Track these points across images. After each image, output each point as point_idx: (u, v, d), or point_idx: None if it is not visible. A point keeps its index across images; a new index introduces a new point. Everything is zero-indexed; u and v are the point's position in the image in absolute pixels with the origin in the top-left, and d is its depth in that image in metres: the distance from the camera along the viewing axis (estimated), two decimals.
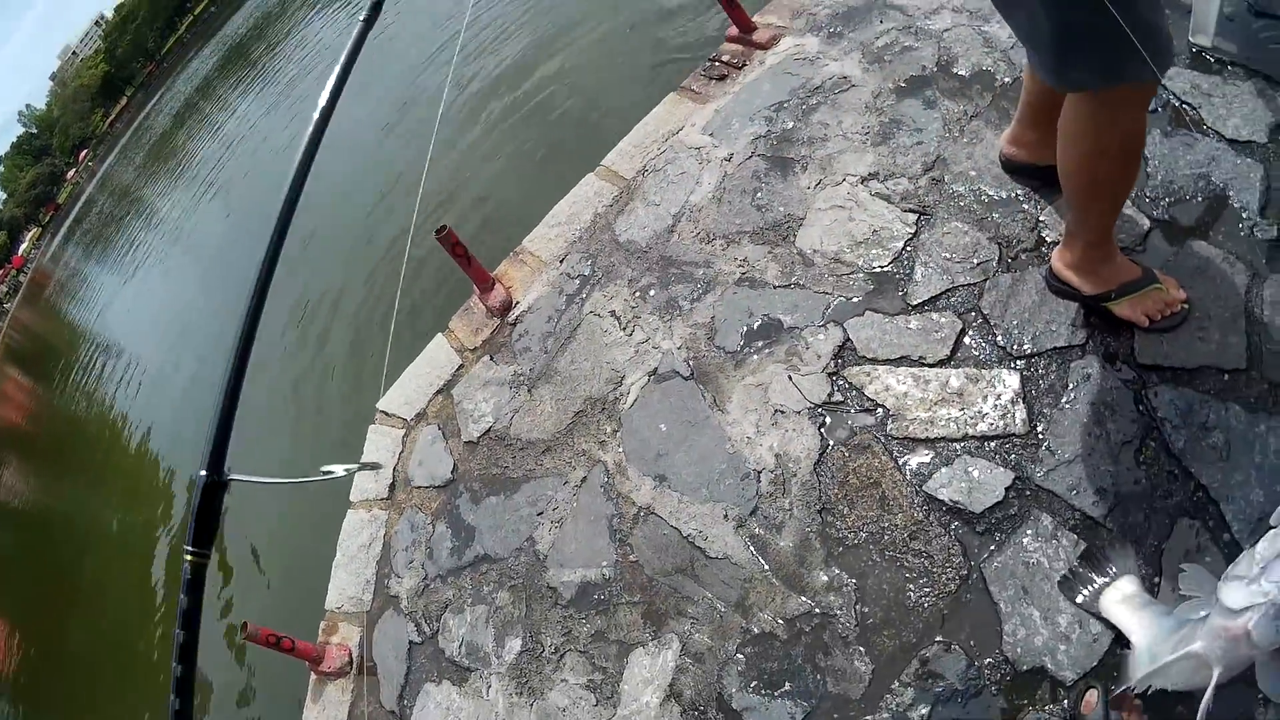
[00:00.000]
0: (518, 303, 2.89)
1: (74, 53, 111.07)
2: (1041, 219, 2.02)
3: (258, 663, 4.37)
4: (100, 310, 19.86)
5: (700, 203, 2.61)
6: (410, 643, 2.38)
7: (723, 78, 3.07)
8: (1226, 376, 1.58)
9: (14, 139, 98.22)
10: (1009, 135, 2.08)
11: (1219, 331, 1.63)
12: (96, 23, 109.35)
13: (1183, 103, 2.04)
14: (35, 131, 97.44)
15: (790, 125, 2.65)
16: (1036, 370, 1.77)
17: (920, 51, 2.68)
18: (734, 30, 3.19)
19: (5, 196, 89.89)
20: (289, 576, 4.65)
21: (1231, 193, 1.83)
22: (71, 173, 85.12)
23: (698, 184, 2.68)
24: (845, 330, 2.03)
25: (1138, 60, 1.23)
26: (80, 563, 8.80)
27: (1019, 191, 2.09)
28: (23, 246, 74.33)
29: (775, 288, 2.21)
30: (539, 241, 3.02)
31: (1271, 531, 1.04)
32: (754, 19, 3.21)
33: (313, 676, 2.53)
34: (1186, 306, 1.66)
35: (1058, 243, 1.83)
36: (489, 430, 2.62)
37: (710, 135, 2.82)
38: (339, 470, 1.08)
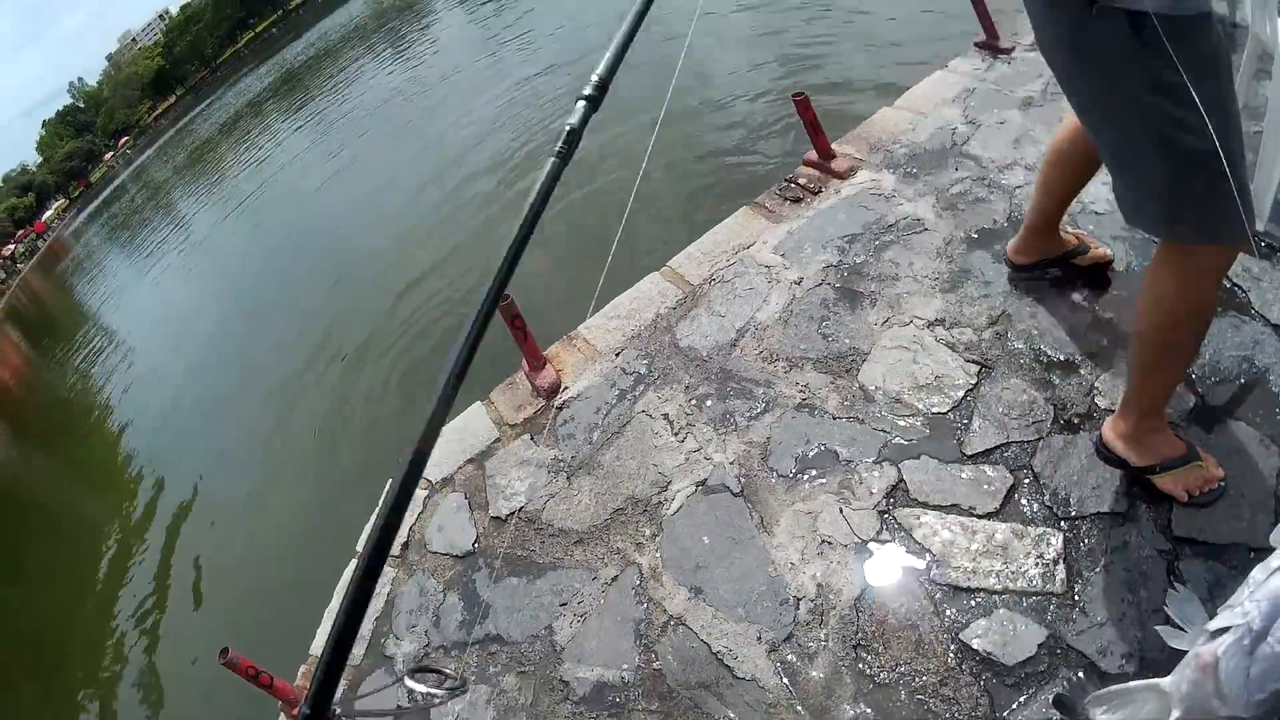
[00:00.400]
0: (566, 387, 3.08)
1: (133, 39, 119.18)
2: (1097, 385, 2.23)
3: (227, 694, 4.44)
4: (110, 297, 20.93)
5: (766, 321, 2.84)
6: (399, 706, 2.46)
7: (798, 200, 3.36)
8: (1253, 555, 1.77)
9: (60, 108, 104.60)
10: (1015, 245, 2.54)
11: (1250, 510, 1.83)
12: (160, 16, 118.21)
13: (1234, 284, 2.28)
14: (82, 106, 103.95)
15: (862, 259, 2.91)
16: (1079, 532, 1.95)
17: (992, 205, 2.96)
18: (813, 155, 3.50)
19: (40, 160, 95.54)
20: (277, 611, 4.75)
21: (1272, 377, 2.06)
22: (109, 155, 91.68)
23: (765, 302, 2.92)
24: (900, 471, 2.22)
25: (1235, 221, 1.47)
26: (34, 535, 9.41)
27: (1077, 355, 2.32)
28: (47, 214, 78.85)
29: (834, 418, 2.42)
30: (596, 331, 3.25)
31: (1271, 555, 1.07)
32: (833, 146, 3.51)
33: (282, 717, 2.60)
34: (1223, 484, 1.87)
35: (1110, 410, 2.05)
36: (520, 510, 2.77)
37: (782, 256, 3.09)
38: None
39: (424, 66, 18.32)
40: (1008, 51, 4.12)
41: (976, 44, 4.27)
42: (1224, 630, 1.02)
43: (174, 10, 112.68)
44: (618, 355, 3.09)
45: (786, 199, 3.41)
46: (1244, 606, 1.00)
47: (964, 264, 2.75)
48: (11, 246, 65.48)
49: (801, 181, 3.46)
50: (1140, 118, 1.51)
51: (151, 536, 7.04)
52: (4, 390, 22.05)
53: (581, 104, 1.12)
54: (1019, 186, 3.04)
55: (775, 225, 3.30)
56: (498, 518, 2.78)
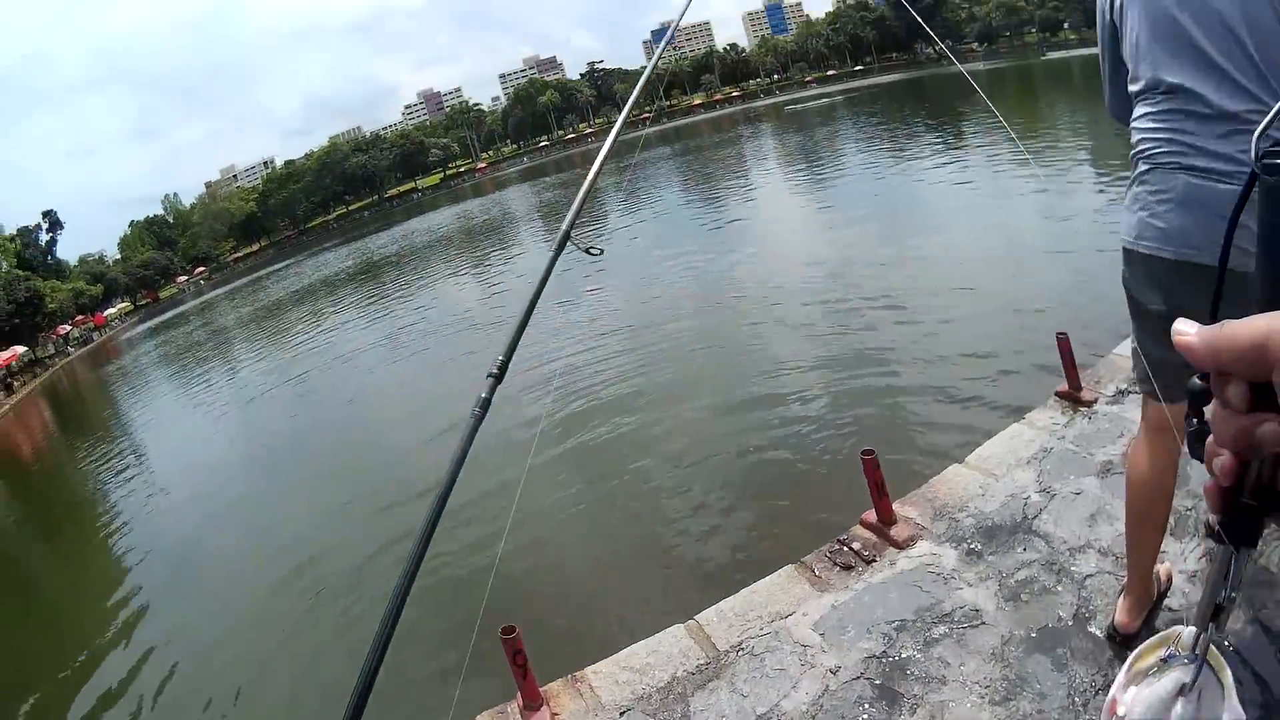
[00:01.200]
0: None
1: (235, 175, 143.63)
2: None
3: None
4: (144, 416, 23.00)
5: (791, 713, 2.93)
6: None
7: (848, 567, 3.52)
8: None
9: (149, 214, 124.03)
10: (1125, 617, 2.81)
11: None
12: (265, 163, 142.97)
13: None
14: (170, 221, 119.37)
15: (908, 653, 3.01)
16: None
17: (1059, 597, 3.08)
18: (871, 515, 3.70)
19: (118, 257, 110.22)
20: None
21: None
22: (182, 278, 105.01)
23: (794, 689, 3.01)
24: None
25: None
26: None
27: None
28: (110, 311, 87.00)
29: None
30: (604, 679, 3.35)
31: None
32: (894, 506, 3.68)
33: None
34: None
35: None
36: None
37: (821, 635, 3.21)
38: None
39: (497, 295, 20.31)
40: (1090, 404, 4.41)
41: (1058, 393, 4.58)
42: None
43: (279, 162, 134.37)
44: (622, 715, 3.14)
45: (837, 564, 3.57)
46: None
47: (1020, 670, 2.82)
48: (68, 328, 71.53)
49: (855, 546, 3.63)
50: None
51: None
52: (17, 457, 26.11)
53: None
54: (1090, 575, 3.16)
55: (819, 595, 3.43)
56: None
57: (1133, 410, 4.25)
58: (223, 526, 10.41)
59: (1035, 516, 3.57)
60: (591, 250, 2.32)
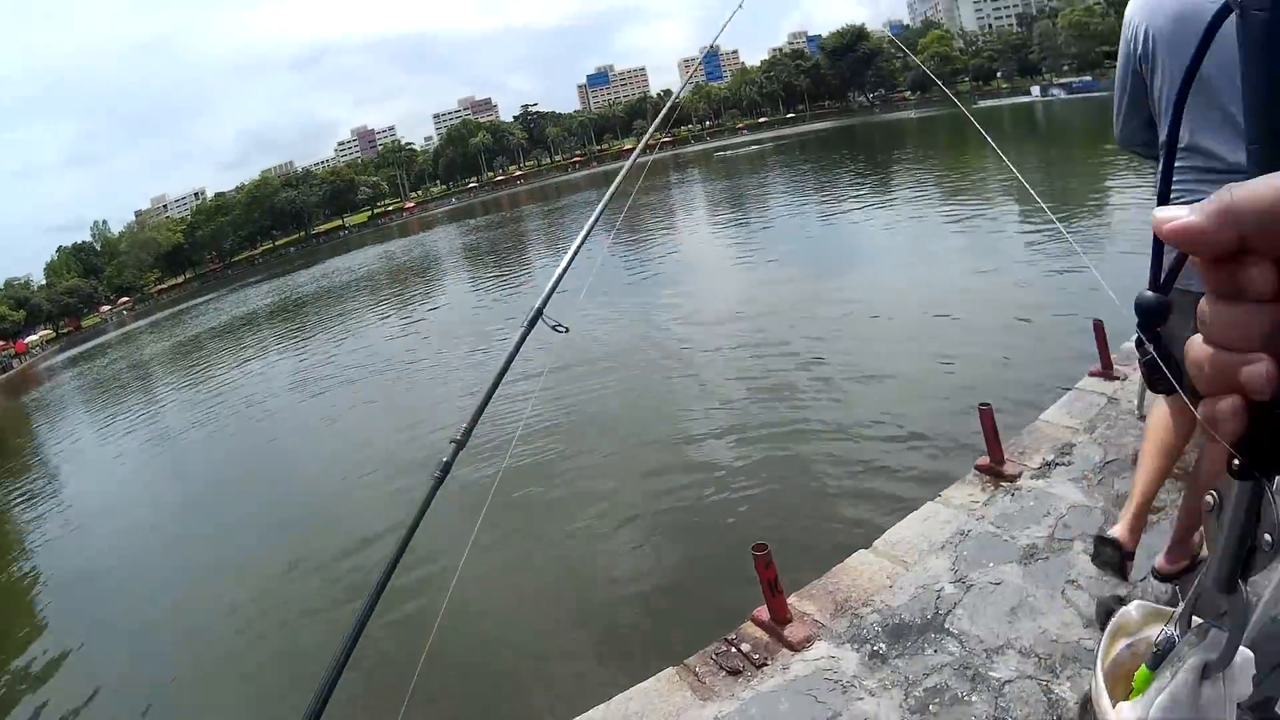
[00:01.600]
0: None
1: (165, 205, 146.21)
2: None
3: None
4: (61, 448, 22.41)
5: None
6: None
7: (736, 672, 3.22)
8: None
9: (78, 240, 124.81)
10: (1130, 528, 2.94)
11: None
12: (196, 194, 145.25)
13: None
14: (98, 249, 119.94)
15: None
16: None
17: (973, 708, 2.84)
18: (763, 613, 3.39)
19: (44, 283, 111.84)
20: None
21: None
22: (106, 308, 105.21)
23: None
24: None
25: None
26: None
27: None
28: (31, 338, 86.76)
29: None
30: None
31: None
32: (790, 600, 3.40)
33: None
34: None
35: None
36: None
37: None
38: None
39: (414, 337, 20.38)
40: (1013, 479, 4.20)
41: (978, 467, 4.36)
42: None
43: (210, 194, 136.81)
44: None
45: (723, 668, 3.26)
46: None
47: None
48: None
49: (744, 648, 3.32)
50: None
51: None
52: None
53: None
54: (1008, 681, 2.90)
55: (702, 704, 3.12)
56: None
57: (1059, 485, 4.06)
58: (134, 564, 10.16)
59: (949, 612, 3.30)
60: (559, 328, 2.46)
